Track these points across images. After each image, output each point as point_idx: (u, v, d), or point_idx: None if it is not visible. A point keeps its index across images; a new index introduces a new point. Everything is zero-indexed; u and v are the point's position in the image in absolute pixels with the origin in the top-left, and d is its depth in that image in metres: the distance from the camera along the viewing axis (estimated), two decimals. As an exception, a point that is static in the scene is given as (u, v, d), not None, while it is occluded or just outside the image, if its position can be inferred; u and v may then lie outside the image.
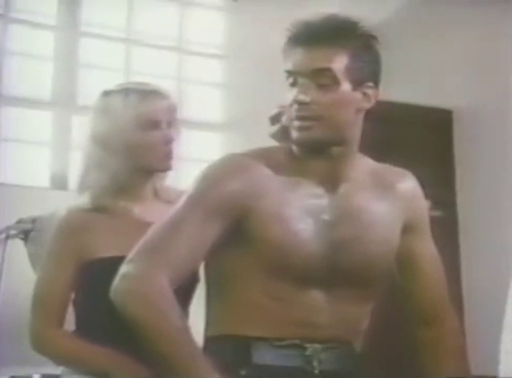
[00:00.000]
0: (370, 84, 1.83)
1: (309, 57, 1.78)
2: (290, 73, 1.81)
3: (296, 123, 1.80)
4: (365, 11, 4.42)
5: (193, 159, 4.28)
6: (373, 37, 1.85)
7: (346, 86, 1.78)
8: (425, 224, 1.98)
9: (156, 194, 2.24)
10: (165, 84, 4.38)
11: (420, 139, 4.65)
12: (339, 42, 1.78)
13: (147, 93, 2.19)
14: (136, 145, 2.15)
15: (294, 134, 1.81)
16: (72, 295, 2.18)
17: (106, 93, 2.23)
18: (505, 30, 4.36)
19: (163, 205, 2.16)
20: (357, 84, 1.80)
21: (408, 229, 1.92)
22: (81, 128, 2.33)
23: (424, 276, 1.95)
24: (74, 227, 2.15)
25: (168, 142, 2.18)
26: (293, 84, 1.80)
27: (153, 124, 2.16)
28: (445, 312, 1.98)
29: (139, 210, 2.19)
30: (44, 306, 2.13)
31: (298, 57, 1.79)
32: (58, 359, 2.16)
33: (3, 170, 3.97)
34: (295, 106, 1.79)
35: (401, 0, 4.54)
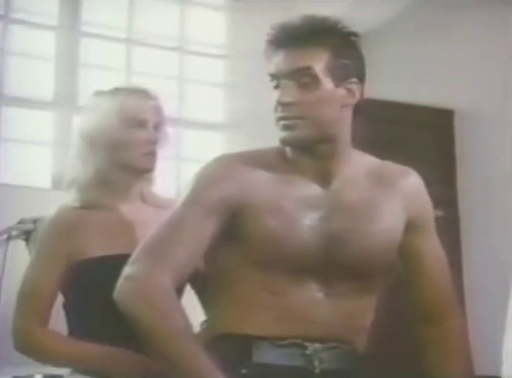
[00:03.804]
0: (354, 80, 1.84)
1: (289, 58, 1.80)
2: (273, 76, 1.83)
3: (280, 123, 1.82)
4: (367, 12, 4.44)
5: (195, 159, 4.29)
6: (353, 34, 1.86)
7: (327, 83, 1.80)
8: (429, 221, 1.97)
9: (143, 198, 2.26)
10: (166, 84, 4.39)
11: (421, 139, 4.65)
12: (318, 41, 1.80)
13: (135, 92, 2.24)
14: (120, 142, 2.18)
15: (280, 134, 1.83)
16: (62, 299, 2.18)
17: (96, 93, 2.29)
18: (507, 30, 4.36)
19: (149, 208, 2.21)
20: (340, 80, 1.81)
21: (411, 226, 1.91)
22: (76, 125, 2.37)
23: (428, 274, 1.94)
24: (63, 226, 2.17)
25: (152, 142, 2.21)
26: (277, 87, 1.83)
27: (138, 123, 2.20)
28: (450, 311, 1.98)
29: (126, 210, 2.21)
30: (30, 304, 2.12)
31: (279, 59, 1.82)
32: (43, 358, 2.14)
33: (4, 170, 3.98)
34: (279, 108, 1.81)
35: (403, 1, 4.54)
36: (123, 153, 2.19)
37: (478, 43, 4.63)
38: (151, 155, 2.21)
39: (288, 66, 1.80)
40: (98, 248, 2.12)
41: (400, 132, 4.57)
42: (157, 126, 2.24)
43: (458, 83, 4.69)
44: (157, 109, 2.25)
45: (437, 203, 1.99)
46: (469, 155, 4.69)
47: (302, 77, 1.79)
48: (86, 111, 2.29)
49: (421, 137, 4.66)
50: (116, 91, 2.25)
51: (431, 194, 1.97)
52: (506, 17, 4.35)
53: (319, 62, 1.79)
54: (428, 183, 1.97)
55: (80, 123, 2.30)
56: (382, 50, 4.69)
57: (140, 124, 2.20)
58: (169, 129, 2.30)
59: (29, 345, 2.12)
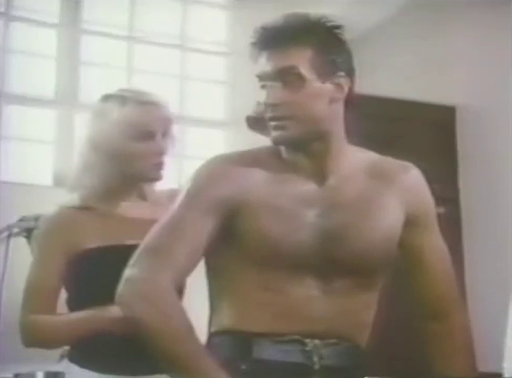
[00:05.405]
0: (341, 73, 1.82)
1: (273, 59, 1.80)
2: (259, 77, 1.83)
3: (271, 124, 1.82)
4: (368, 10, 4.44)
5: (196, 157, 4.29)
6: (336, 27, 1.85)
7: (313, 80, 1.79)
8: (430, 217, 1.95)
9: (143, 196, 2.27)
10: (167, 82, 4.39)
11: (423, 136, 4.65)
12: (300, 39, 1.79)
13: (144, 104, 2.21)
14: (128, 154, 2.18)
15: (272, 135, 1.83)
16: (65, 295, 2.21)
17: (105, 98, 2.26)
18: (509, 27, 4.36)
19: (148, 204, 2.24)
20: (326, 76, 1.80)
21: (411, 221, 1.90)
22: (82, 128, 2.36)
23: (430, 269, 1.92)
24: (62, 223, 2.20)
25: (160, 153, 2.21)
26: (263, 88, 1.83)
27: (147, 135, 2.19)
28: (453, 306, 1.96)
29: (122, 208, 2.23)
30: (34, 299, 2.15)
31: (263, 61, 1.81)
32: (51, 343, 2.17)
33: (5, 168, 3.98)
34: (268, 109, 1.81)
35: (404, -2, 4.54)
36: (131, 165, 2.19)
37: (481, 40, 4.63)
38: (160, 165, 2.22)
39: (272, 67, 1.80)
40: (94, 240, 2.15)
41: (402, 129, 4.57)
42: (165, 134, 2.23)
43: (460, 79, 4.69)
44: (166, 119, 2.25)
45: (438, 201, 1.99)
46: (471, 152, 4.70)
47: (287, 77, 1.79)
48: (95, 116, 2.26)
49: (423, 134, 4.67)
50: (125, 99, 2.22)
51: (433, 191, 1.97)
52: (507, 15, 4.35)
53: (302, 60, 1.78)
54: (429, 180, 1.97)
55: (87, 129, 2.28)
56: (384, 48, 4.69)
57: (149, 136, 2.19)
58: (175, 132, 2.30)
59: (35, 335, 2.15)
